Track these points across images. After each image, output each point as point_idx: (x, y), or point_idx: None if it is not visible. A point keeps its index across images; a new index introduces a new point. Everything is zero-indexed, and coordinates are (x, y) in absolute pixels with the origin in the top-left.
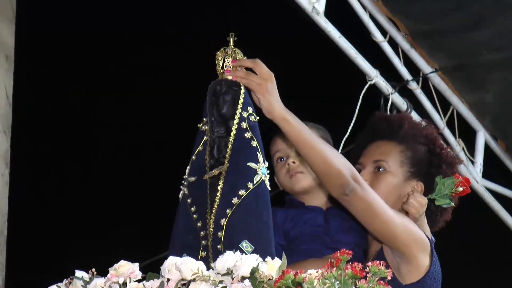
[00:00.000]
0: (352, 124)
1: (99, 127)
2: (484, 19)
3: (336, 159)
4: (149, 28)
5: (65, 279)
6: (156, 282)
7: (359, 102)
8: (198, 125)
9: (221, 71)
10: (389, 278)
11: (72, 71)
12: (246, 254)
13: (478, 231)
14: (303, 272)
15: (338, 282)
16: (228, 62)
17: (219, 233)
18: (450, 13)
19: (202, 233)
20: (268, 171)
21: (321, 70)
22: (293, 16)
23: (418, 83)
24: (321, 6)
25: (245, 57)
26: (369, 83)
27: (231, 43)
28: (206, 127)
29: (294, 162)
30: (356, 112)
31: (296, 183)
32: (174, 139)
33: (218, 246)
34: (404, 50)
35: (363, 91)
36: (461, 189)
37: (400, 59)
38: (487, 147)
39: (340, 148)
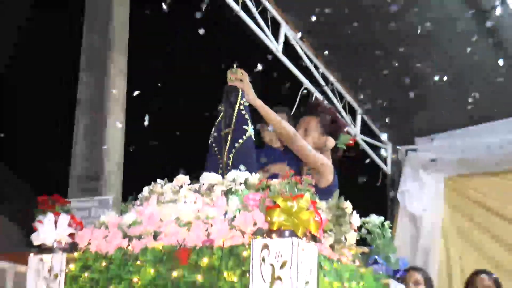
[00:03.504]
0: (293, 110)
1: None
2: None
3: (287, 126)
4: None
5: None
6: (197, 185)
7: (298, 98)
8: (219, 107)
9: (229, 80)
10: (313, 184)
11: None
12: (242, 172)
13: (356, 165)
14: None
15: (288, 186)
16: (232, 77)
17: (229, 162)
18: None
19: (220, 162)
20: (253, 131)
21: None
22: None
23: (332, 92)
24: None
25: (242, 73)
26: (302, 88)
27: (234, 68)
28: (222, 108)
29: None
30: (296, 104)
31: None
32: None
33: (228, 168)
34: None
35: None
36: (351, 142)
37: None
38: (363, 119)
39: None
